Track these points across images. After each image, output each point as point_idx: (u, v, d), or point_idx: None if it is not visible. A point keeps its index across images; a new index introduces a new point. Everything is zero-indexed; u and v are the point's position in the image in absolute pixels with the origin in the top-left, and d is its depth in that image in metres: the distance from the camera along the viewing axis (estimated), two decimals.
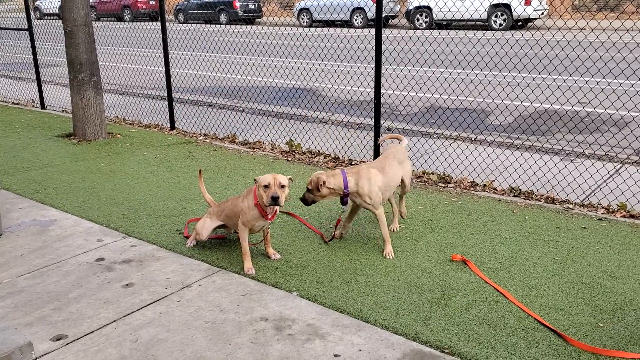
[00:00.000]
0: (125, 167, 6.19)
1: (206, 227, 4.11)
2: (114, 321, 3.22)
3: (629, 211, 4.73)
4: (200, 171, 4.44)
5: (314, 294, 3.47)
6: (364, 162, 5.93)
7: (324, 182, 3.96)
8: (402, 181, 4.36)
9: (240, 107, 9.72)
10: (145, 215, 4.80)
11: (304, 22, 27.18)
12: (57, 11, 36.97)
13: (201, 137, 7.53)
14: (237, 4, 29.33)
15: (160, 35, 7.68)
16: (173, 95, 7.97)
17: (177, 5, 32.11)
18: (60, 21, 7.55)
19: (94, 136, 7.30)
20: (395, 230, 4.44)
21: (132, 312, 3.30)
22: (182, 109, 9.45)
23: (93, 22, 7.33)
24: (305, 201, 4.08)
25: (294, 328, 3.11)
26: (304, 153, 6.65)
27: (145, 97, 10.94)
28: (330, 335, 3.04)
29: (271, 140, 7.23)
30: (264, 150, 6.86)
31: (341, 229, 4.33)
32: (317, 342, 2.98)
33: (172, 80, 7.90)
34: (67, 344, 3.01)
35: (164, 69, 7.83)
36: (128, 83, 12.50)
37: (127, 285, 3.63)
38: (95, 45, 7.19)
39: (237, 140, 7.32)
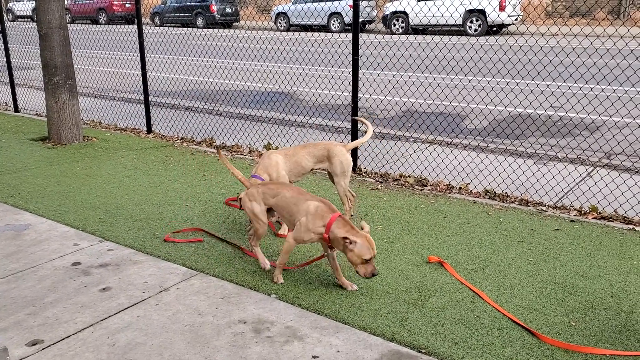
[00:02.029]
0: (102, 170, 6.14)
1: (262, 213, 3.79)
2: (91, 325, 3.19)
3: (600, 213, 4.84)
4: (217, 148, 4.26)
5: (292, 297, 3.49)
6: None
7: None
8: (331, 176, 4.59)
9: (218, 110, 9.70)
10: (122, 219, 4.77)
11: (281, 26, 27.21)
12: (30, 13, 36.43)
13: (178, 141, 7.49)
14: (215, 8, 29.25)
15: (137, 39, 7.63)
16: (150, 99, 7.93)
17: (153, 9, 31.90)
18: (34, 23, 7.45)
19: (69, 140, 7.22)
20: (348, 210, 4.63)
21: (110, 316, 3.28)
22: (159, 113, 9.40)
23: (68, 25, 7.24)
24: None
25: (273, 330, 3.13)
26: None
27: (122, 100, 10.84)
28: (309, 337, 3.06)
29: (249, 144, 7.24)
30: (241, 154, 6.86)
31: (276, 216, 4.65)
32: (295, 344, 3.00)
33: (148, 83, 7.86)
34: (43, 348, 2.98)
35: (140, 72, 7.79)
36: (104, 86, 12.38)
37: (104, 289, 3.60)
38: (70, 48, 7.12)
39: (214, 144, 7.31)
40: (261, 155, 6.72)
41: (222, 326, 3.17)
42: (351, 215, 4.78)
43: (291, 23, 26.82)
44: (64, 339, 3.07)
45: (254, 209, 3.78)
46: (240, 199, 3.87)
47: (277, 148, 6.85)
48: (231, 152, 6.91)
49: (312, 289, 3.59)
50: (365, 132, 4.77)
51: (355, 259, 3.32)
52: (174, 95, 11.29)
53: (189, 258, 4.04)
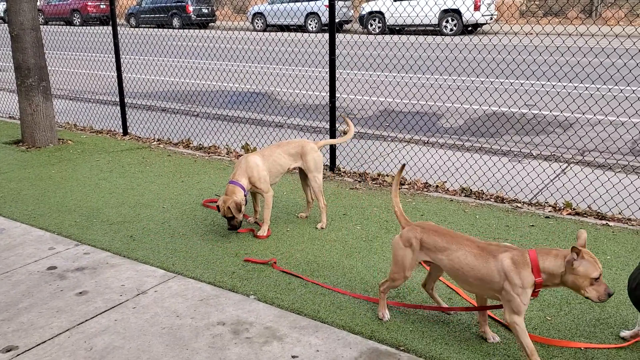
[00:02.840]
0: (77, 173, 6.06)
1: (408, 261, 3.03)
2: (67, 330, 3.16)
3: (574, 209, 4.93)
4: (402, 167, 3.33)
5: (271, 297, 3.49)
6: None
7: (239, 203, 4.19)
8: (304, 173, 4.60)
9: (195, 111, 9.64)
10: (99, 222, 4.71)
11: (258, 26, 27.13)
12: (1, 14, 35.76)
13: (155, 142, 7.43)
14: (191, 8, 29.04)
15: (112, 40, 7.55)
16: (125, 100, 7.85)
17: (128, 10, 31.54)
18: (6, 25, 7.33)
19: (43, 143, 7.11)
20: (322, 228, 4.61)
21: (86, 320, 3.25)
22: (135, 114, 9.31)
23: (41, 26, 7.13)
24: (235, 227, 4.28)
25: (252, 331, 3.12)
26: None
27: (97, 102, 10.71)
28: (288, 337, 3.06)
29: (226, 145, 7.21)
30: (219, 155, 6.83)
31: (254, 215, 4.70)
32: (275, 344, 3.00)
33: (124, 85, 7.78)
34: (18, 355, 2.94)
35: (115, 73, 7.70)
36: (79, 88, 12.21)
37: (80, 293, 3.56)
38: (43, 50, 7.01)
39: (191, 145, 7.26)
40: (239, 156, 6.70)
41: (200, 328, 3.16)
42: (306, 217, 4.83)
43: (268, 23, 26.76)
44: (39, 344, 3.03)
45: (405, 260, 3.04)
46: (392, 243, 3.12)
47: (255, 149, 6.84)
48: (208, 154, 6.88)
49: (292, 289, 3.59)
50: (345, 133, 4.78)
51: (582, 282, 2.63)
52: (150, 96, 11.19)
53: (166, 260, 4.01)
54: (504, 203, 5.15)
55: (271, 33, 23.99)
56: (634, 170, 5.93)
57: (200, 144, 7.26)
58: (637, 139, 7.18)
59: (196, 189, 5.55)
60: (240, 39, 21.05)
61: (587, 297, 2.65)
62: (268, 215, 4.46)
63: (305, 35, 23.19)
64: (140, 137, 7.71)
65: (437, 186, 5.61)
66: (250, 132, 7.90)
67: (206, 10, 29.89)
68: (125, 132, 7.84)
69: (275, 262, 3.92)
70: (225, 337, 3.07)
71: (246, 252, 4.16)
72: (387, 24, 23.19)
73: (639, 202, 4.98)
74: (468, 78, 10.46)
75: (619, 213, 4.82)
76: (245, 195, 4.29)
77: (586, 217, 4.79)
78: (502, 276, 2.72)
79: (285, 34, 22.29)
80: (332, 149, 6.16)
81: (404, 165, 3.21)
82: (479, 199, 5.26)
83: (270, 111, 9.43)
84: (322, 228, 4.59)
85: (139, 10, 30.68)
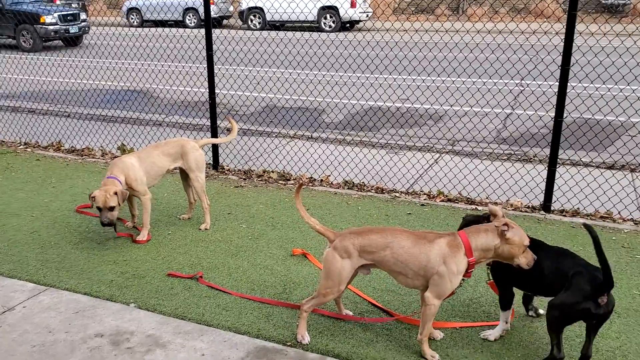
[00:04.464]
0: None
1: (346, 272, 2.89)
2: None
3: (446, 196, 5.23)
4: (300, 185, 3.16)
5: (153, 304, 3.36)
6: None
7: (123, 191, 3.99)
8: (185, 173, 4.49)
9: (66, 112, 9.04)
10: None
11: (133, 22, 26.00)
12: None
13: (21, 146, 6.89)
14: (58, 2, 27.18)
15: None
16: None
17: None
18: None
19: None
20: (205, 229, 4.51)
21: None
22: None
23: None
24: (111, 223, 3.97)
25: (133, 341, 2.99)
26: None
27: None
28: (172, 344, 2.97)
29: (101, 146, 6.84)
30: (93, 157, 6.47)
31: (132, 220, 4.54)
32: (158, 352, 2.90)
33: None
34: None
35: None
36: None
37: None
38: None
39: (62, 148, 6.81)
40: (115, 157, 6.38)
41: (76, 342, 2.97)
42: (189, 218, 4.72)
43: (144, 18, 25.72)
44: None
45: (343, 272, 2.88)
46: (324, 256, 2.96)
47: (132, 149, 6.55)
48: (82, 156, 6.49)
49: (174, 294, 3.49)
50: (230, 131, 4.71)
51: (516, 250, 2.74)
52: (14, 97, 10.33)
53: (36, 273, 3.73)
54: (384, 193, 5.35)
55: (148, 29, 23.09)
56: (498, 157, 6.41)
57: (72, 147, 6.82)
58: (500, 129, 7.77)
59: (69, 195, 5.21)
60: (113, 35, 20.04)
61: (517, 265, 2.76)
62: (147, 218, 4.29)
63: (187, 30, 22.64)
64: (4, 141, 7.11)
65: (321, 180, 5.71)
66: (127, 131, 7.55)
67: (75, 5, 28.12)
68: None
69: (201, 276, 3.69)
70: (104, 349, 2.92)
71: (125, 258, 3.97)
72: (267, 19, 23.20)
73: (503, 186, 5.39)
74: (345, 74, 10.75)
75: (486, 198, 5.19)
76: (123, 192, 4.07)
77: (457, 202, 5.10)
78: (439, 261, 2.76)
79: (163, 29, 21.56)
80: (215, 146, 6.06)
81: (301, 185, 3.13)
82: (361, 191, 5.42)
83: (147, 109, 9.08)
84: (206, 229, 4.50)
85: None
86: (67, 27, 17.42)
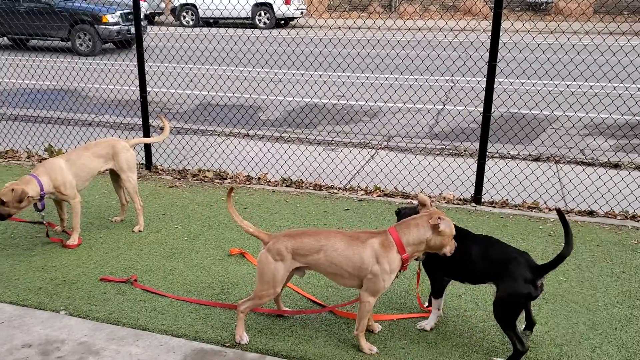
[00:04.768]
0: None
1: (280, 275, 2.87)
2: None
3: (382, 191, 5.31)
4: (230, 189, 3.09)
5: (85, 310, 3.24)
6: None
7: (27, 194, 3.77)
8: (116, 174, 4.36)
9: None
10: None
11: None
12: None
13: None
14: None
15: None
16: None
17: None
18: None
19: None
20: (139, 231, 4.39)
21: None
22: None
23: None
24: (2, 216, 3.80)
25: (64, 349, 2.87)
26: None
27: None
28: (106, 350, 2.87)
29: (27, 148, 6.53)
30: (18, 160, 6.16)
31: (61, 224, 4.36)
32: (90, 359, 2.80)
33: None
34: None
35: None
36: None
37: None
38: None
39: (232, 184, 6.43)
40: (42, 160, 6.11)
41: (2, 354, 2.82)
42: (121, 221, 4.60)
43: None
44: None
45: (277, 274, 2.87)
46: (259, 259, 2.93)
47: (60, 151, 6.28)
48: (5, 159, 6.17)
49: (107, 299, 3.37)
50: (162, 130, 4.60)
51: (447, 240, 2.80)
52: None
53: None
54: (322, 190, 5.37)
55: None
56: (431, 152, 6.57)
57: None
58: (433, 124, 7.96)
59: None
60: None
61: (443, 254, 2.83)
62: (77, 222, 4.13)
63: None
64: None
65: (259, 178, 5.67)
66: (54, 132, 7.23)
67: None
68: None
69: (136, 280, 3.56)
70: None
71: (54, 264, 3.81)
72: (201, 16, 22.81)
73: (436, 180, 5.53)
74: (280, 71, 10.72)
75: (421, 191, 5.31)
76: (42, 196, 3.88)
77: (393, 197, 5.19)
78: (372, 261, 2.77)
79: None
80: (147, 146, 5.90)
81: (232, 189, 3.08)
82: (299, 188, 5.42)
83: (76, 109, 8.74)
84: (139, 231, 4.38)
85: None
86: (129, 26, 15.08)
